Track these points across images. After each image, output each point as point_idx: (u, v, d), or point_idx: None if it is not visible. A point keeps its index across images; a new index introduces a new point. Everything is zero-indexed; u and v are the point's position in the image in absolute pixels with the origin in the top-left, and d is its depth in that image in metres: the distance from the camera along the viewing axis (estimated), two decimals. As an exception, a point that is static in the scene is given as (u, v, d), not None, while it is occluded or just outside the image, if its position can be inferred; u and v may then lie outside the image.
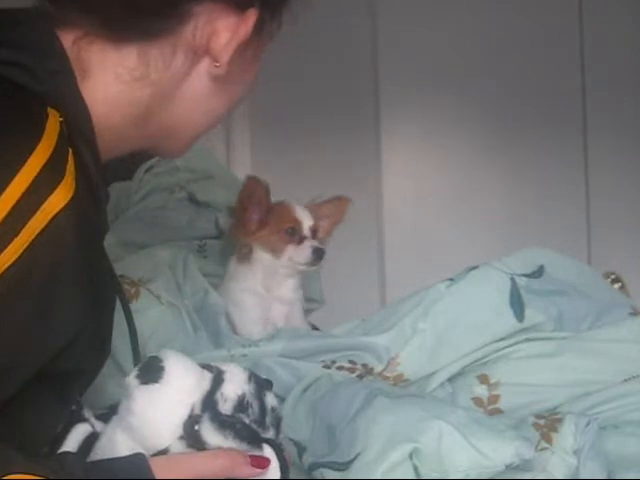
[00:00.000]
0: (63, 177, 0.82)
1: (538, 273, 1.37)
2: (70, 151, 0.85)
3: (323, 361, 1.30)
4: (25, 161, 0.80)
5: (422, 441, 1.02)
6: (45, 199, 0.80)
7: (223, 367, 0.96)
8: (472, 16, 2.84)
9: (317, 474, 1.08)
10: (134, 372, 0.93)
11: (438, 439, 1.02)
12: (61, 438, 0.95)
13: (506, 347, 1.30)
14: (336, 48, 2.78)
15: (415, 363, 1.29)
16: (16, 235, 0.78)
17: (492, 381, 1.27)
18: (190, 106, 0.98)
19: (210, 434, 0.90)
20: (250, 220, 1.52)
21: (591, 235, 2.88)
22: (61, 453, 0.83)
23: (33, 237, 0.79)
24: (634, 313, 1.37)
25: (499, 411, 1.24)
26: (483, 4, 2.84)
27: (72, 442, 0.95)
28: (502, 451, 1.02)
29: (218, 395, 0.92)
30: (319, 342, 1.35)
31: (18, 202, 0.79)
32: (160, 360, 0.93)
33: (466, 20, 2.83)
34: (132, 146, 1.00)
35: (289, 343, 1.34)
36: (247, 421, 0.93)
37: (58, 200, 0.81)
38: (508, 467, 1.02)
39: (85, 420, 0.97)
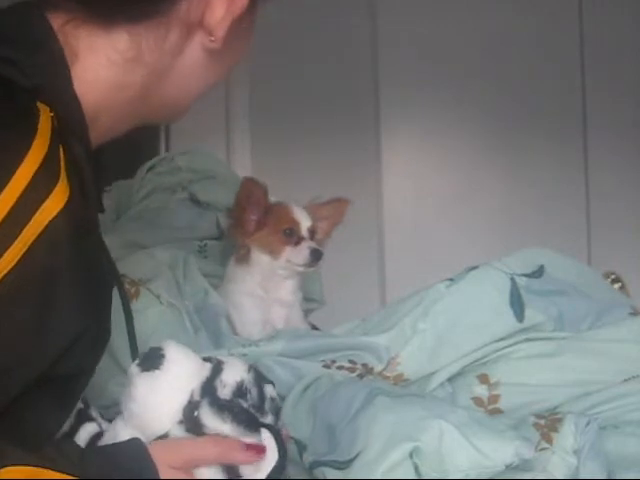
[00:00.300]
0: (58, 179, 0.81)
1: (538, 273, 1.37)
2: (61, 148, 0.84)
3: (323, 361, 1.30)
4: (18, 165, 0.78)
5: (423, 440, 1.02)
6: (41, 204, 0.79)
7: (223, 359, 0.98)
8: (472, 16, 2.84)
9: (318, 472, 1.08)
10: (136, 361, 0.95)
11: (439, 438, 1.02)
12: (70, 437, 0.96)
13: (506, 347, 1.30)
14: (336, 48, 2.78)
15: (415, 363, 1.29)
16: (12, 242, 0.77)
17: (492, 381, 1.27)
18: (186, 79, 0.97)
19: (209, 418, 0.92)
20: (248, 221, 1.52)
21: (591, 235, 2.88)
22: (58, 440, 0.83)
23: (30, 243, 0.78)
24: (634, 313, 1.37)
25: (499, 411, 1.24)
26: (483, 4, 2.84)
27: (80, 441, 0.98)
28: (502, 451, 1.02)
29: (217, 381, 0.94)
30: (319, 342, 1.35)
31: (13, 209, 0.77)
32: (161, 349, 0.95)
33: (466, 20, 2.84)
34: (130, 124, 0.99)
35: (289, 343, 1.34)
36: (245, 406, 0.94)
37: (54, 204, 0.80)
38: (508, 467, 1.02)
39: (93, 419, 0.98)
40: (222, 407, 0.92)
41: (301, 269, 1.52)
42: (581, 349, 1.29)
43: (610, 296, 1.46)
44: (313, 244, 1.51)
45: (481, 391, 1.26)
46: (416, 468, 1.02)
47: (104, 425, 0.98)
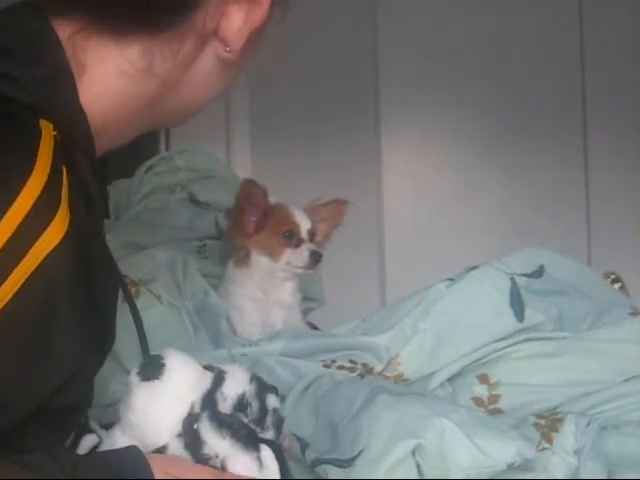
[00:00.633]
0: (58, 208, 0.78)
1: (538, 273, 1.37)
2: (64, 169, 0.81)
3: (323, 360, 1.30)
4: (17, 196, 0.76)
5: (425, 438, 1.02)
6: (39, 235, 0.77)
7: (225, 367, 0.96)
8: (472, 16, 2.84)
9: (320, 470, 1.08)
10: (135, 369, 0.93)
11: (440, 436, 1.02)
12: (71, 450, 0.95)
13: (506, 347, 1.30)
14: (336, 48, 2.78)
15: (415, 363, 1.29)
16: (9, 275, 0.75)
17: (492, 381, 1.27)
18: (197, 87, 0.95)
19: (208, 433, 0.90)
20: (247, 223, 1.52)
21: (591, 235, 2.88)
22: (52, 447, 0.82)
23: (27, 276, 0.76)
24: (634, 313, 1.37)
25: (499, 411, 1.24)
26: (483, 4, 2.84)
27: (82, 453, 0.96)
28: (504, 450, 1.02)
29: (218, 394, 0.93)
30: (319, 342, 1.35)
31: (10, 241, 0.75)
32: (161, 358, 0.93)
33: (466, 20, 2.84)
34: (139, 132, 0.96)
35: (289, 343, 1.34)
36: (246, 420, 0.93)
37: (52, 236, 0.77)
38: (510, 467, 1.02)
39: (92, 431, 0.97)
40: (222, 422, 0.91)
41: (301, 271, 1.52)
42: (581, 349, 1.29)
43: (610, 296, 1.46)
44: (313, 246, 1.51)
45: (481, 391, 1.26)
46: (418, 466, 1.02)
47: (103, 435, 0.97)
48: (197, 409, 0.91)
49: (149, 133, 1.01)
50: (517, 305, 1.30)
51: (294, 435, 1.14)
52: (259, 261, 1.52)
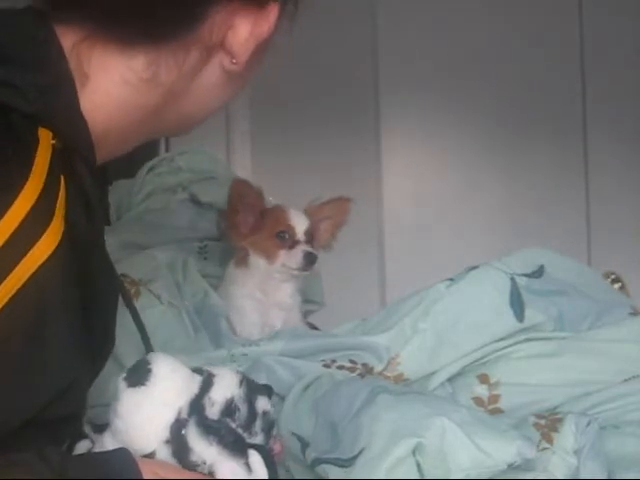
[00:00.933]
0: (52, 218, 0.78)
1: (538, 273, 1.37)
2: (62, 178, 0.81)
3: (323, 360, 1.30)
4: (9, 207, 0.75)
5: (425, 437, 1.02)
6: (31, 246, 0.76)
7: (214, 371, 0.95)
8: (472, 17, 2.84)
9: (320, 470, 1.08)
10: (122, 375, 0.93)
11: (441, 436, 1.02)
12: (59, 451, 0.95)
13: (506, 347, 1.30)
14: (336, 48, 2.78)
15: (415, 363, 1.29)
16: None
17: (492, 381, 1.27)
18: (202, 98, 0.94)
19: (195, 440, 0.90)
20: (243, 223, 1.51)
21: (591, 237, 2.88)
22: (40, 447, 0.82)
23: (18, 288, 0.75)
24: (634, 313, 1.37)
25: (499, 411, 1.24)
26: (483, 5, 2.84)
27: None
28: (504, 450, 1.02)
29: (206, 399, 0.92)
30: (319, 341, 1.35)
31: (1, 251, 0.75)
32: (148, 362, 0.92)
33: (466, 21, 2.84)
34: (140, 141, 0.96)
35: (289, 342, 1.34)
36: (234, 425, 0.92)
37: (45, 247, 0.77)
38: (510, 466, 1.02)
39: (85, 436, 0.97)
40: (209, 429, 0.90)
41: (296, 273, 1.51)
42: (581, 349, 1.29)
43: (610, 296, 1.46)
44: (307, 248, 1.50)
45: (481, 391, 1.26)
46: (418, 466, 1.01)
47: (95, 439, 0.96)
48: (184, 415, 0.91)
49: (149, 134, 1.01)
50: (517, 305, 1.30)
51: (294, 435, 1.14)
52: (257, 262, 1.52)
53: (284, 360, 1.30)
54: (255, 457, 0.91)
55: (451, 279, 1.35)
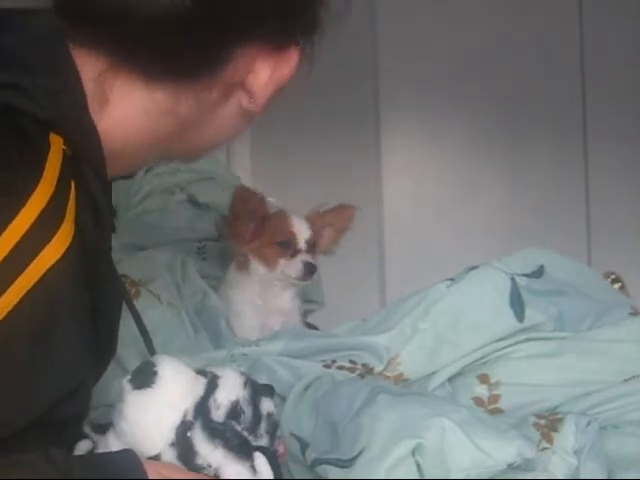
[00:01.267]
0: (62, 222, 0.79)
1: (538, 273, 1.37)
2: (72, 184, 0.81)
3: (323, 361, 1.30)
4: (20, 209, 0.76)
5: (425, 438, 1.02)
6: (41, 250, 0.77)
7: (218, 372, 0.95)
8: (472, 18, 2.84)
9: (320, 470, 1.08)
10: (128, 376, 0.93)
11: (441, 436, 1.02)
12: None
13: (506, 347, 1.30)
14: (336, 48, 2.78)
15: (415, 363, 1.29)
16: (8, 288, 0.75)
17: (492, 381, 1.27)
18: (215, 131, 0.96)
19: (201, 443, 0.90)
20: (243, 229, 1.50)
21: (591, 238, 2.88)
22: (46, 448, 0.83)
23: (26, 290, 0.76)
24: (634, 313, 1.37)
25: (499, 411, 1.24)
26: (483, 5, 2.84)
27: None
28: (504, 450, 1.02)
29: (211, 401, 0.92)
30: (319, 342, 1.35)
31: (8, 256, 0.75)
32: (154, 365, 0.93)
33: (466, 20, 2.84)
34: (147, 164, 0.99)
35: (289, 342, 1.34)
36: (239, 428, 0.92)
37: (54, 251, 0.78)
38: (510, 466, 1.02)
39: (86, 437, 0.97)
40: (214, 432, 0.90)
41: (295, 282, 1.51)
42: (581, 349, 1.29)
43: (610, 296, 1.46)
44: (308, 258, 1.49)
45: (481, 391, 1.26)
46: (418, 466, 1.01)
47: (97, 439, 0.96)
48: (190, 417, 0.91)
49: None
50: (517, 305, 1.30)
51: (294, 435, 1.14)
52: (257, 268, 1.52)
53: (284, 360, 1.29)
54: (260, 459, 0.91)
55: (451, 279, 1.35)
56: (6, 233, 0.75)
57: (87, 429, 0.98)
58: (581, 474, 1.06)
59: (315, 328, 1.60)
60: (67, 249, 0.78)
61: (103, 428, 0.96)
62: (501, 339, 1.29)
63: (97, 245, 0.86)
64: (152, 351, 1.12)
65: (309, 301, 1.68)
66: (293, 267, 1.49)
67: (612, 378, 1.25)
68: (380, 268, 2.85)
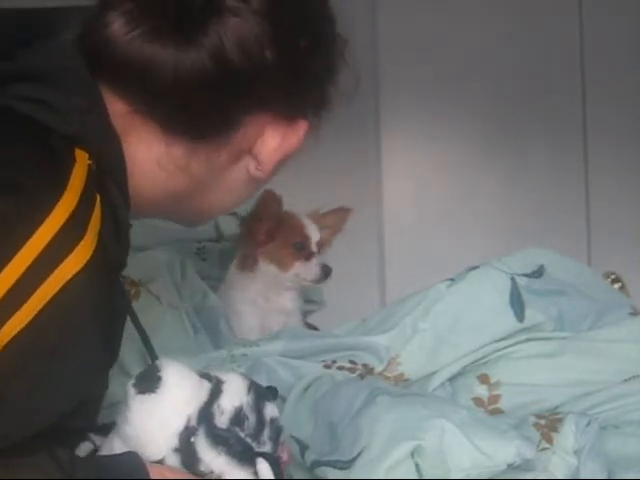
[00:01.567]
0: (83, 236, 0.80)
1: (538, 273, 1.37)
2: (97, 197, 0.83)
3: (324, 361, 1.30)
4: (43, 221, 0.78)
5: (425, 439, 1.02)
6: (60, 262, 0.78)
7: (223, 377, 0.95)
8: (472, 16, 2.84)
9: (319, 472, 1.08)
10: (132, 380, 0.93)
11: (440, 437, 1.02)
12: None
13: (506, 347, 1.30)
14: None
15: (415, 363, 1.29)
16: (27, 299, 0.76)
17: (492, 381, 1.27)
18: (222, 195, 0.98)
19: (204, 449, 0.90)
20: (261, 232, 1.51)
21: (591, 238, 2.88)
22: (51, 448, 0.83)
23: (45, 302, 0.77)
24: (634, 313, 1.37)
25: (500, 411, 1.24)
26: (483, 5, 2.84)
27: None
28: (504, 451, 1.02)
29: (215, 407, 0.92)
30: (319, 342, 1.35)
31: (31, 266, 0.77)
32: (158, 370, 0.92)
33: (466, 20, 2.84)
34: (152, 217, 1.01)
35: (289, 343, 1.34)
36: (242, 435, 0.92)
37: (74, 264, 0.79)
38: (510, 467, 1.02)
39: (87, 438, 0.97)
40: (217, 438, 0.90)
41: (309, 284, 1.52)
42: (581, 349, 1.29)
43: (610, 296, 1.46)
44: (322, 260, 1.50)
45: (481, 391, 1.26)
46: (417, 467, 1.01)
47: (98, 441, 0.96)
48: (194, 423, 0.91)
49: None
50: (517, 305, 1.30)
51: (293, 437, 1.14)
52: (266, 270, 1.52)
53: (284, 360, 1.29)
54: (263, 464, 0.91)
55: (451, 279, 1.35)
56: (29, 243, 0.77)
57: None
58: (581, 474, 1.06)
59: (315, 329, 1.60)
60: (88, 261, 0.80)
61: (103, 430, 0.96)
62: (501, 339, 1.30)
63: (117, 259, 0.88)
64: (151, 351, 1.13)
65: (309, 301, 1.68)
66: (310, 270, 1.50)
67: (612, 378, 1.26)
68: (380, 268, 2.85)
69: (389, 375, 1.29)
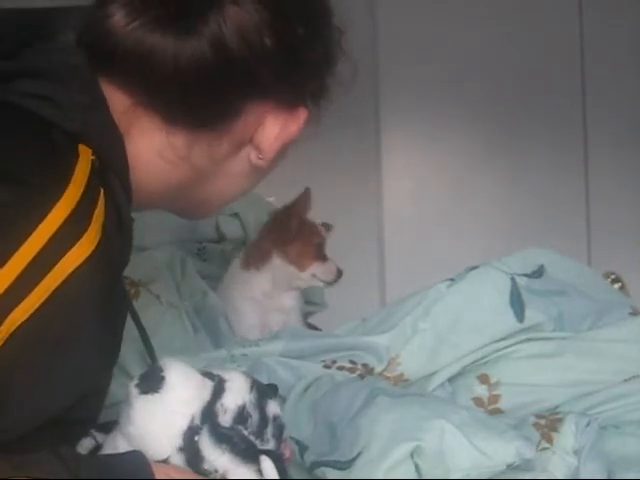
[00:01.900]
0: (87, 228, 0.81)
1: (538, 273, 1.36)
2: (101, 191, 0.84)
3: (324, 361, 1.30)
4: (47, 213, 0.78)
5: (424, 440, 1.02)
6: (64, 254, 0.79)
7: (225, 375, 0.96)
8: (472, 16, 2.84)
9: (319, 472, 1.08)
10: (135, 381, 0.93)
11: (440, 438, 1.02)
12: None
13: (506, 347, 1.30)
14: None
15: (415, 363, 1.29)
16: (32, 290, 0.77)
17: (492, 381, 1.27)
18: (224, 185, 0.99)
19: (208, 448, 0.90)
20: (292, 227, 1.52)
21: (591, 238, 2.88)
22: (56, 446, 0.83)
23: (49, 293, 0.78)
24: (634, 313, 1.37)
25: (499, 411, 1.24)
26: (483, 5, 2.84)
27: None
28: (503, 451, 1.02)
29: (218, 406, 0.92)
30: (320, 342, 1.35)
31: (35, 258, 0.77)
32: (161, 370, 0.93)
33: (466, 20, 2.84)
34: (157, 208, 1.02)
35: (289, 343, 1.34)
36: (246, 433, 0.92)
37: (78, 255, 0.79)
38: (509, 467, 1.02)
39: (89, 435, 0.97)
40: (221, 437, 0.90)
41: (322, 285, 1.53)
42: (581, 349, 1.29)
43: (610, 296, 1.46)
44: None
45: (481, 391, 1.26)
46: (417, 468, 1.01)
47: (100, 438, 0.97)
48: (197, 422, 0.91)
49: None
50: (517, 305, 1.30)
51: (292, 438, 1.14)
52: (280, 267, 1.52)
53: (284, 361, 1.29)
54: (266, 462, 0.91)
55: (451, 279, 1.35)
56: (34, 235, 0.78)
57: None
58: (581, 474, 1.06)
59: (317, 329, 1.60)
60: (92, 253, 0.80)
61: (105, 427, 0.96)
62: (501, 339, 1.29)
63: (120, 254, 0.88)
64: (150, 351, 1.13)
65: (311, 303, 1.68)
66: (329, 271, 1.52)
67: (612, 378, 1.25)
68: (380, 268, 2.85)
69: (389, 375, 1.29)
